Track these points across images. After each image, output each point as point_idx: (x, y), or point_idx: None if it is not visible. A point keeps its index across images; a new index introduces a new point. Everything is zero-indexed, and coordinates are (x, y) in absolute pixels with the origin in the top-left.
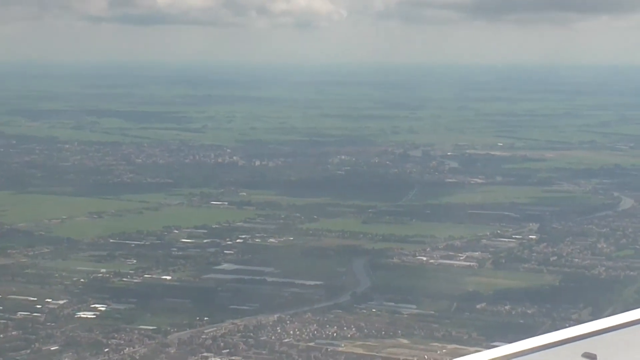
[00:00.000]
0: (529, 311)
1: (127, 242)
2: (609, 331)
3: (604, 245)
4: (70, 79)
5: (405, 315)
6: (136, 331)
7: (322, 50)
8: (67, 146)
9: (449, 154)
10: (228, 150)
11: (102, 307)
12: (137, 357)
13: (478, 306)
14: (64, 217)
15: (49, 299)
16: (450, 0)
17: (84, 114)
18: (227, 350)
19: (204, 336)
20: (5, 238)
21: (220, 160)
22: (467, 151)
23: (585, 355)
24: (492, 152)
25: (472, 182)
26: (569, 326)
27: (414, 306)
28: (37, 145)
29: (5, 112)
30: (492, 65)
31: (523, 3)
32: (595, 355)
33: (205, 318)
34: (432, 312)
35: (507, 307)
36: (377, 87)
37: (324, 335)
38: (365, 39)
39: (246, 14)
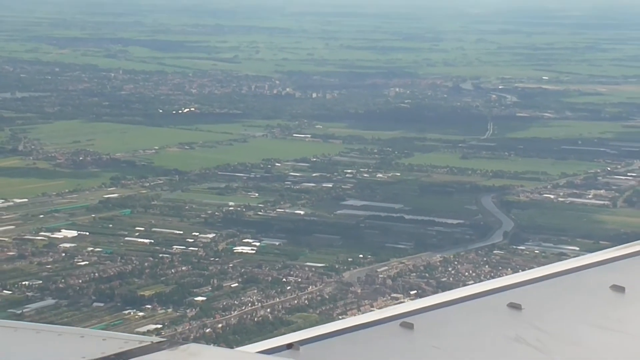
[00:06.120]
0: None
1: (235, 174)
2: (533, 282)
3: None
4: (66, 5)
5: None
6: (306, 268)
7: None
8: (113, 74)
9: (500, 87)
10: (277, 81)
11: (255, 242)
12: (326, 297)
13: None
14: (156, 147)
15: (196, 232)
16: None
17: (107, 42)
18: (414, 291)
19: (380, 275)
20: (111, 168)
21: (275, 91)
22: (517, 85)
23: (510, 305)
24: (544, 86)
25: (544, 116)
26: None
27: (577, 247)
28: (82, 73)
29: (24, 38)
30: None
31: None
32: (520, 304)
33: (369, 256)
34: None
35: None
36: (380, 18)
37: None
38: None
39: None
